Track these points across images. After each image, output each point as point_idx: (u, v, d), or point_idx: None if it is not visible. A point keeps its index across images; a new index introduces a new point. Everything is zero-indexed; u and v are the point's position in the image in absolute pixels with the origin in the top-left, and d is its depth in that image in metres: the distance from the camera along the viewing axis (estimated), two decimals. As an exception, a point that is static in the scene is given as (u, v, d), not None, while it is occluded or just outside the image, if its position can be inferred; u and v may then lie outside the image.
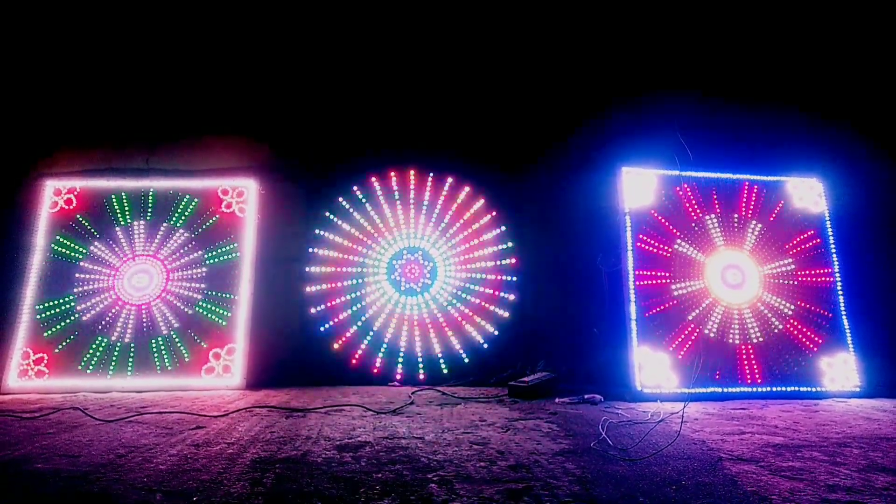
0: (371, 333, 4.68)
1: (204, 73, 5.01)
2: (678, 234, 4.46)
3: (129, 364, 4.29)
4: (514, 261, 4.85)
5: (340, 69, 5.11)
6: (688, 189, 4.59)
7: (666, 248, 4.41)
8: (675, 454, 2.39)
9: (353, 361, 4.61)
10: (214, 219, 4.67)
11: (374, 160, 5.01)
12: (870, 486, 1.97)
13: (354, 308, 4.74)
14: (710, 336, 4.24)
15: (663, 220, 4.46)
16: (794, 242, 4.60)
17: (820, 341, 4.35)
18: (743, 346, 4.26)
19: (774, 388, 4.14)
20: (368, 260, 4.83)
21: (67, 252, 4.52)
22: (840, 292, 4.48)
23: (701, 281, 4.40)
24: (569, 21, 5.07)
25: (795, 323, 4.39)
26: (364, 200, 4.92)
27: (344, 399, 3.77)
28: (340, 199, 4.91)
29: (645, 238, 4.39)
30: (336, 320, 4.70)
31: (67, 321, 4.37)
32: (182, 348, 4.36)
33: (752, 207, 4.63)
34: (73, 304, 4.42)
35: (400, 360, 4.63)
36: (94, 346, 4.32)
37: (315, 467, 2.12)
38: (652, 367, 4.04)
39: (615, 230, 4.49)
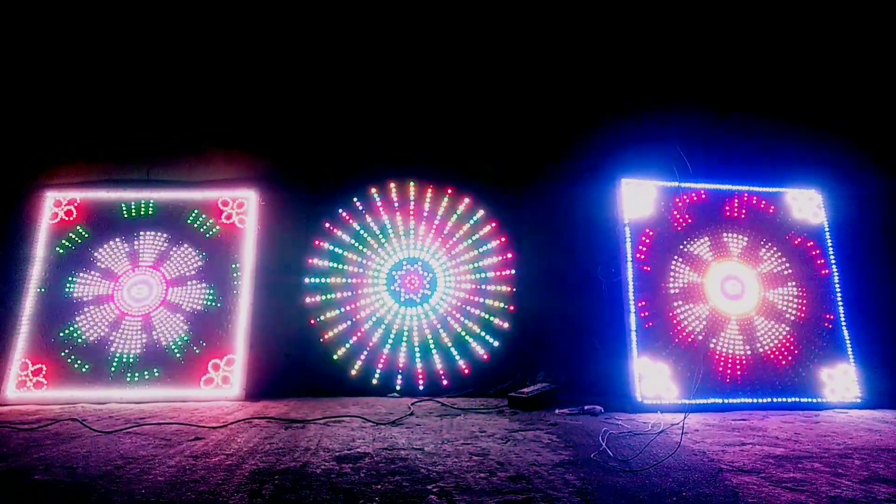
0: (371, 344, 4.67)
1: (205, 86, 5.03)
2: (677, 245, 4.48)
3: (128, 375, 4.27)
4: (513, 271, 4.85)
5: (341, 82, 5.15)
6: (687, 200, 4.61)
7: (665, 258, 4.42)
8: (675, 465, 2.38)
9: (353, 372, 4.59)
10: (215, 230, 4.68)
11: (374, 172, 5.02)
12: (872, 498, 1.97)
13: (354, 319, 4.73)
14: (709, 346, 4.23)
15: (663, 231, 4.47)
16: (794, 253, 4.61)
17: (820, 352, 4.34)
18: (742, 357, 4.26)
19: (775, 399, 4.13)
20: (368, 271, 4.84)
21: (67, 263, 4.52)
22: (840, 302, 4.49)
23: (700, 292, 4.40)
24: (569, 34, 5.11)
25: (795, 333, 4.38)
26: (364, 212, 4.93)
27: (343, 410, 3.76)
28: (340, 210, 4.92)
29: (644, 249, 4.40)
30: (335, 331, 4.69)
31: (66, 332, 4.36)
32: (181, 359, 4.35)
33: (751, 218, 4.65)
34: (72, 315, 4.41)
35: (399, 370, 4.61)
36: (92, 356, 4.31)
37: (314, 479, 2.11)
38: (652, 378, 4.03)
39: (615, 241, 4.51)
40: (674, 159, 4.60)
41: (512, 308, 4.77)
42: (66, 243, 4.57)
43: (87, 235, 4.60)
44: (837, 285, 4.54)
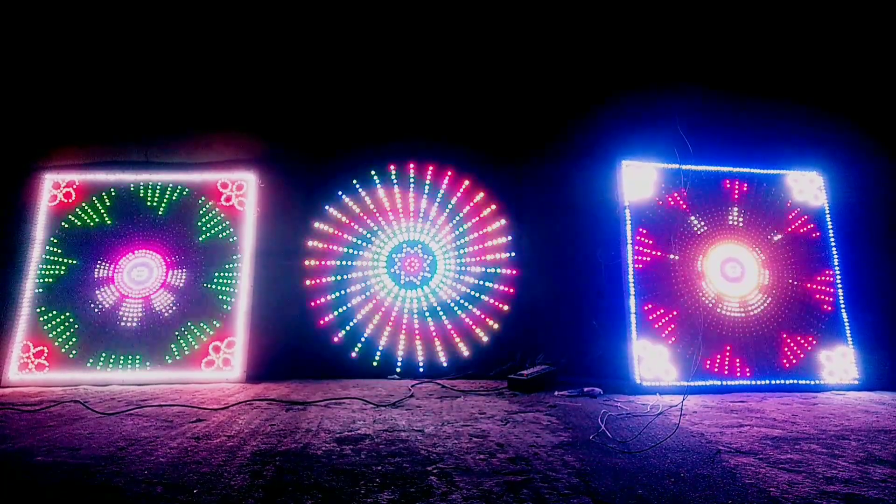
0: (371, 326, 4.69)
1: (204, 67, 4.97)
2: (677, 227, 4.46)
3: (129, 357, 4.29)
4: (513, 254, 4.84)
5: (340, 63, 5.08)
6: (687, 182, 4.58)
7: (665, 241, 4.41)
8: (673, 447, 2.40)
9: (353, 354, 4.61)
10: (214, 212, 4.66)
11: (373, 153, 4.99)
12: (867, 479, 1.98)
13: (354, 301, 4.74)
14: (708, 329, 4.24)
15: (662, 213, 4.46)
16: (794, 236, 4.59)
17: (819, 334, 4.35)
18: (741, 339, 4.27)
19: (773, 381, 4.15)
20: (368, 253, 4.83)
21: (66, 246, 4.52)
22: (839, 285, 4.49)
23: (700, 274, 4.40)
24: (569, 13, 5.03)
25: (794, 315, 4.39)
26: (364, 194, 4.91)
27: (344, 392, 3.78)
28: (340, 192, 4.90)
29: (645, 231, 4.39)
30: (336, 313, 4.70)
31: (67, 314, 4.37)
32: (182, 341, 4.37)
33: (752, 201, 4.63)
34: (72, 297, 4.41)
35: (400, 353, 4.63)
36: (94, 339, 4.33)
37: (315, 460, 2.13)
38: (651, 360, 4.05)
39: (615, 223, 4.49)
40: (674, 141, 4.57)
41: (511, 290, 4.78)
42: (66, 225, 4.56)
43: (86, 217, 4.59)
44: (837, 268, 4.53)
